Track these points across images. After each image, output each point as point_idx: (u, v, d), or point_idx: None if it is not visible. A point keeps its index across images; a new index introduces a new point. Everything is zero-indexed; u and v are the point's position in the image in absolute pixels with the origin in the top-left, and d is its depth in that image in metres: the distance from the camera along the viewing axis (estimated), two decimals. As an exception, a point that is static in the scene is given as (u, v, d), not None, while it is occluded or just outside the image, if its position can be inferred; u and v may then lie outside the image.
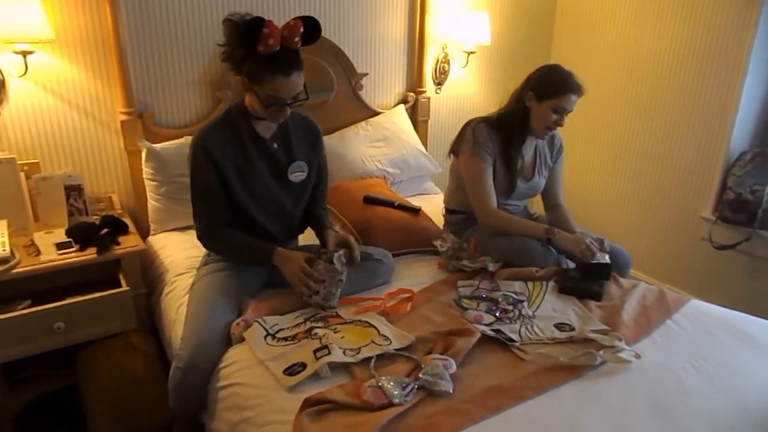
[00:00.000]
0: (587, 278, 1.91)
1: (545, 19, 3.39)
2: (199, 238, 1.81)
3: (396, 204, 2.34)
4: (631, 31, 3.03)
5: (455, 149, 2.20)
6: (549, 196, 2.30)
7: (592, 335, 1.61)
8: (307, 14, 1.65)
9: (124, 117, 2.24)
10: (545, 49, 3.45)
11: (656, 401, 1.39)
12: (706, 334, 1.69)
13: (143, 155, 2.26)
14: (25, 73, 2.04)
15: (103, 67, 2.22)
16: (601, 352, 1.52)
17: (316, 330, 1.61)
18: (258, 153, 1.79)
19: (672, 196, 2.96)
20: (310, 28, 1.65)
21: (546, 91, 2.02)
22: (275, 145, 1.82)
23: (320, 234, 1.94)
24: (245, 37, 1.56)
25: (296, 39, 1.60)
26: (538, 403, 1.37)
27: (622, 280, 1.99)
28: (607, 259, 1.96)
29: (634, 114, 3.08)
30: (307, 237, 2.11)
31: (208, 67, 2.43)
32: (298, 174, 1.87)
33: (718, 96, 2.69)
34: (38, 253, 1.90)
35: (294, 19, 1.61)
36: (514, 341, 1.60)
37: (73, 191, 2.12)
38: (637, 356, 1.53)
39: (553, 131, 2.11)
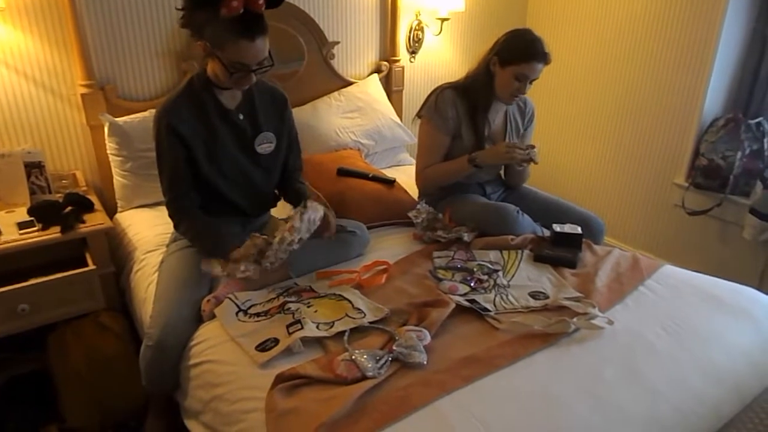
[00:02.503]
0: (559, 247, 1.91)
1: (520, -16, 3.34)
2: (171, 216, 1.76)
3: (370, 176, 2.30)
4: (606, -4, 2.99)
5: (419, 113, 2.17)
6: None
7: (566, 303, 1.62)
8: None
9: (84, 90, 2.15)
10: (520, 15, 3.39)
11: (628, 366, 1.40)
12: (678, 298, 1.71)
13: (106, 130, 2.17)
14: (-26, 44, 1.94)
15: (60, 37, 2.11)
16: (574, 320, 1.53)
17: (289, 305, 1.59)
18: (223, 125, 1.73)
19: (646, 162, 2.98)
20: None
21: (509, 57, 1.97)
22: (241, 116, 1.76)
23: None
24: (206, 0, 1.50)
25: (260, 1, 1.54)
26: (512, 372, 1.37)
27: (596, 247, 2.00)
28: (578, 229, 1.96)
29: (608, 81, 3.06)
30: (281, 211, 2.07)
31: (173, 36, 2.33)
32: (265, 146, 1.81)
33: (692, 62, 2.68)
34: (-2, 233, 1.83)
35: None
36: (489, 311, 1.60)
37: (34, 168, 2.04)
38: (610, 322, 1.54)
39: (517, 98, 2.06)
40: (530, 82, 2.00)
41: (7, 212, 1.95)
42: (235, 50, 1.55)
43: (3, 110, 2.10)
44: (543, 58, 1.95)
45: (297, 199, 1.90)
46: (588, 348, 1.46)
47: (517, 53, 1.96)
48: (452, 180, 2.13)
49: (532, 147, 1.99)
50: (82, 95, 2.15)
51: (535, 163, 2.00)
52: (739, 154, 2.51)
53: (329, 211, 1.79)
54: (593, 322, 1.53)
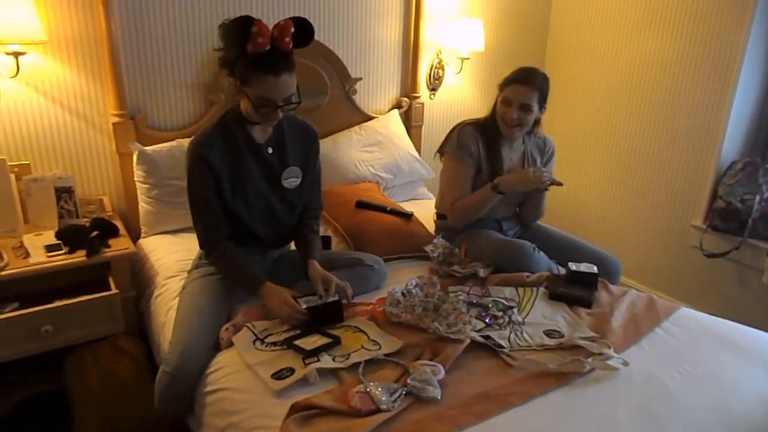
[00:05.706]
0: (575, 285, 1.92)
1: (539, 26, 3.41)
2: (201, 247, 1.81)
3: (388, 209, 2.34)
4: (624, 39, 3.04)
5: (442, 150, 2.21)
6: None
7: (581, 342, 1.62)
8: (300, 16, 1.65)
9: (115, 119, 2.23)
10: (539, 56, 3.46)
11: (642, 409, 1.39)
12: (693, 342, 1.69)
13: (134, 158, 2.25)
14: (17, 74, 2.03)
15: (96, 69, 2.22)
16: (589, 360, 1.52)
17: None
18: (252, 158, 1.78)
19: (663, 204, 2.98)
20: (303, 29, 1.64)
21: (501, 86, 2.11)
22: (270, 150, 1.81)
23: (303, 260, 1.85)
24: (235, 37, 1.57)
25: (287, 39, 1.60)
26: (525, 410, 1.37)
27: (612, 286, 2.00)
28: (594, 268, 1.96)
29: (627, 121, 3.10)
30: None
31: (202, 69, 2.42)
32: (291, 180, 1.85)
33: (710, 105, 2.71)
34: (27, 255, 1.89)
35: (285, 19, 1.61)
36: (503, 347, 1.60)
37: (64, 193, 2.11)
38: (625, 363, 1.54)
39: (511, 126, 2.07)
40: (522, 109, 2.04)
41: (36, 235, 2.01)
42: (260, 86, 1.61)
43: (38, 136, 2.19)
44: (522, 80, 2.05)
45: (305, 249, 1.87)
46: (602, 389, 1.46)
47: (504, 80, 2.10)
48: (481, 211, 2.15)
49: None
50: (114, 124, 2.24)
51: (559, 184, 2.06)
52: (758, 197, 2.51)
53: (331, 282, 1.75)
54: (608, 362, 1.53)
